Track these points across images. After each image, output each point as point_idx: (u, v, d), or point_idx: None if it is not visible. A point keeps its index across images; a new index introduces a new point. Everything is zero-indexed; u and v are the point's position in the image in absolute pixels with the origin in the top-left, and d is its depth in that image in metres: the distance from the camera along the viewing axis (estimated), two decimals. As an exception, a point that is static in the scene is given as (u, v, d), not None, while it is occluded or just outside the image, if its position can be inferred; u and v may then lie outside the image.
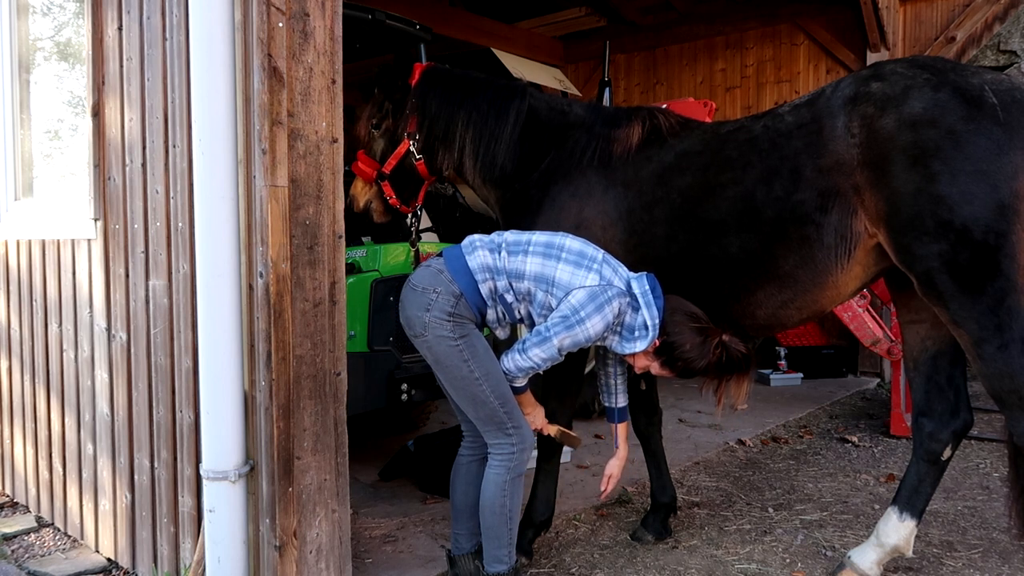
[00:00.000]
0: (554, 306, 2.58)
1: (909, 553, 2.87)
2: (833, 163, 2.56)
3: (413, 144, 3.26)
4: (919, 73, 2.51)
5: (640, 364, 2.70)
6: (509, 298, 2.64)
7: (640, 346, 2.60)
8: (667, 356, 2.64)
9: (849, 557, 2.91)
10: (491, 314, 2.68)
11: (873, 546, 2.87)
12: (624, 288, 2.61)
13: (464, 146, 3.21)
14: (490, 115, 3.17)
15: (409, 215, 3.53)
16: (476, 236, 2.73)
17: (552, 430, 2.93)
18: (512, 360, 2.59)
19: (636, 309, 2.61)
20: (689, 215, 2.79)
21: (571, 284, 2.56)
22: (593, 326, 2.52)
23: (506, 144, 3.15)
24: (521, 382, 2.66)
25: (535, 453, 3.12)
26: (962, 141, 2.36)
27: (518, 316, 2.69)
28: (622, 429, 3.01)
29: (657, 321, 2.59)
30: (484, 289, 2.62)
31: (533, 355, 2.56)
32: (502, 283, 2.63)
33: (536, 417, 2.81)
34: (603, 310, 2.53)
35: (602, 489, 3.03)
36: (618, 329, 2.63)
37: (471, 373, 2.56)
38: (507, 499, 2.64)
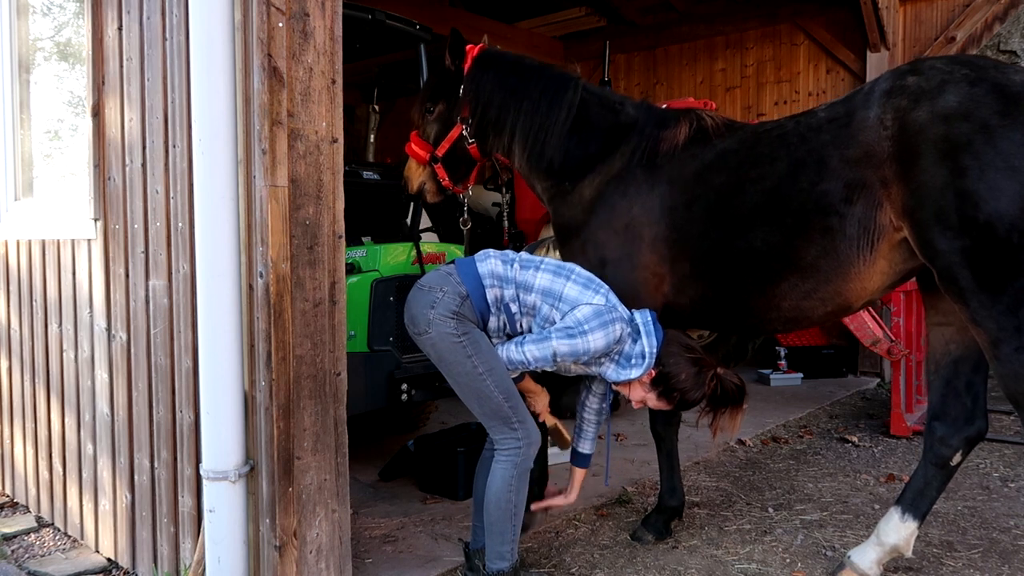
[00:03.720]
0: (557, 320, 2.62)
1: (909, 553, 2.86)
2: (862, 154, 2.55)
3: (466, 128, 3.28)
4: (957, 68, 2.47)
5: (636, 396, 2.76)
6: (514, 308, 2.68)
7: (635, 373, 2.66)
8: (664, 387, 2.71)
9: (849, 557, 2.91)
10: (493, 322, 2.70)
11: (873, 545, 2.87)
12: (627, 316, 2.67)
13: (514, 134, 3.22)
14: (541, 104, 3.16)
15: (461, 195, 3.59)
16: (491, 249, 2.78)
17: (549, 420, 2.93)
18: (506, 351, 2.64)
19: (635, 340, 2.68)
20: (720, 211, 2.81)
21: (578, 300, 2.62)
22: (595, 340, 2.56)
23: (556, 137, 3.16)
24: (512, 375, 2.69)
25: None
26: (995, 136, 2.31)
27: (519, 329, 2.72)
28: (579, 475, 3.05)
29: (655, 349, 2.65)
30: (490, 295, 2.66)
31: (528, 351, 2.60)
32: (509, 292, 2.67)
33: (538, 402, 2.84)
34: (607, 328, 2.57)
35: (531, 509, 3.02)
36: (616, 357, 2.69)
37: (475, 368, 2.58)
38: (513, 495, 2.66)
